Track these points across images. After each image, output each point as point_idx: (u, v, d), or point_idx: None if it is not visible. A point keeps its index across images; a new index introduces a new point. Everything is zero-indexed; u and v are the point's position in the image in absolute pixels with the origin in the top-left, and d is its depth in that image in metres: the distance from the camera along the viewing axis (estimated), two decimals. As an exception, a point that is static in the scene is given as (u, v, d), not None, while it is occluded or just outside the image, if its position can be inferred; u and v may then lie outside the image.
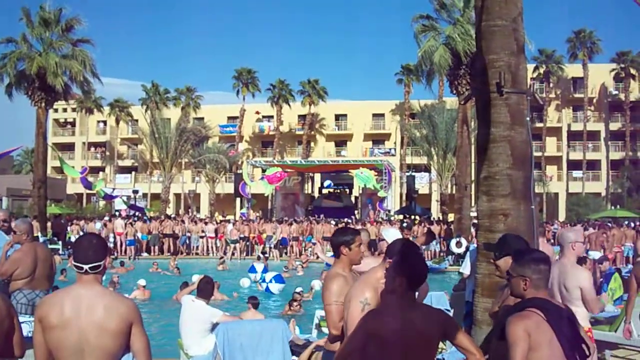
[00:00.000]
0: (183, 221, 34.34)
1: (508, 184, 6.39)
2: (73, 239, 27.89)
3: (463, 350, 3.89)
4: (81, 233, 28.19)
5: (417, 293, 4.12)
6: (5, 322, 3.76)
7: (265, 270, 20.84)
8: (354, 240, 4.95)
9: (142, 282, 18.04)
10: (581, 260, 14.45)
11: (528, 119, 6.64)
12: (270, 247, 31.59)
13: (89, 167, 66.81)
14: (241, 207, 47.73)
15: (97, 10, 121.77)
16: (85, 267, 3.84)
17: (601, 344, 9.25)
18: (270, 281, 18.93)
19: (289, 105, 66.36)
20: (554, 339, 3.71)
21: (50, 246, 23.77)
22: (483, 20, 6.71)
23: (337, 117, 69.66)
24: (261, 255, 28.30)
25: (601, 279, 13.18)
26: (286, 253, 31.61)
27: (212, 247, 32.10)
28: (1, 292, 3.78)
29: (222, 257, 28.13)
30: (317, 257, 25.18)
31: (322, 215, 37.52)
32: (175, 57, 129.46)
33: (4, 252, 7.92)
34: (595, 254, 21.18)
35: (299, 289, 16.17)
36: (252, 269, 21.75)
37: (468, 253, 9.26)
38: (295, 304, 14.80)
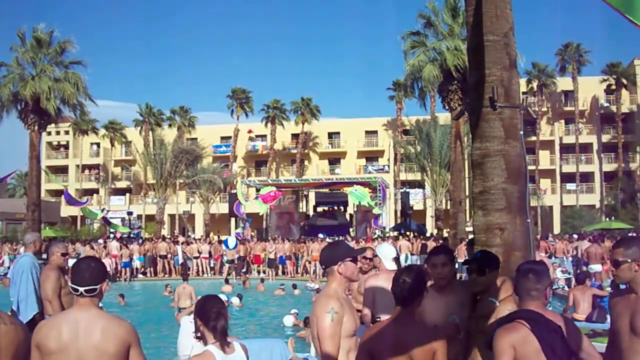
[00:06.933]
0: (177, 242, 34.23)
1: (503, 198, 6.39)
2: (71, 263, 27.59)
3: None
4: (75, 256, 28.04)
5: None
6: (21, 348, 3.69)
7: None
8: None
9: None
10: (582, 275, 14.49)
11: (521, 132, 6.66)
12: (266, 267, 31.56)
13: (84, 189, 66.96)
14: (236, 227, 47.63)
15: (89, 33, 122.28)
16: (81, 289, 3.83)
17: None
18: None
19: (283, 125, 66.55)
20: (541, 351, 3.72)
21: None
22: (474, 35, 6.75)
23: (330, 135, 69.81)
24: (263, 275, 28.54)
25: (602, 304, 13.03)
26: (283, 272, 31.63)
27: (206, 268, 32.03)
28: (16, 318, 3.70)
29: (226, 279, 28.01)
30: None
31: (319, 234, 37.39)
32: (170, 79, 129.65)
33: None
34: (597, 267, 21.19)
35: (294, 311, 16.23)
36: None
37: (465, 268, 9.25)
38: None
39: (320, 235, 35.28)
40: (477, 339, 4.80)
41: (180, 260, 32.18)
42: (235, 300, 20.06)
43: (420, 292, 4.08)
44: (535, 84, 62.18)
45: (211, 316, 4.11)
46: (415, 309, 4.10)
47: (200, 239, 37.36)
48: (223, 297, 5.27)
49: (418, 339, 3.97)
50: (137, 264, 31.63)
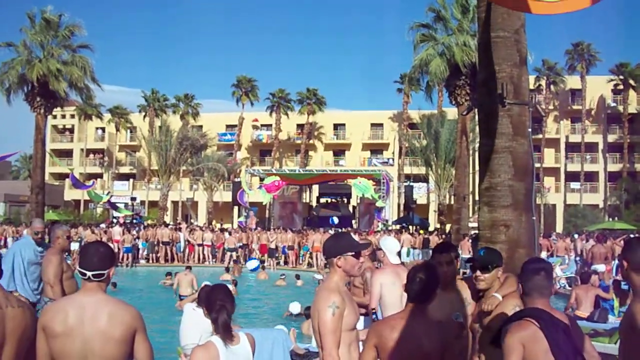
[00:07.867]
0: (179, 229, 34.24)
1: (509, 195, 6.39)
2: (73, 246, 27.64)
3: None
4: (78, 240, 28.07)
5: None
6: (28, 331, 3.68)
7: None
8: None
9: None
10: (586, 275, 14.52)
11: (529, 130, 6.65)
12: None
13: (87, 173, 66.99)
14: (239, 216, 47.66)
15: (96, 17, 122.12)
16: (89, 273, 3.83)
17: (601, 357, 9.20)
18: None
19: (287, 114, 66.47)
20: (549, 350, 3.72)
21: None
22: (485, 32, 6.73)
23: (336, 127, 69.62)
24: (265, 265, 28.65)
25: (604, 305, 13.06)
26: (286, 262, 31.72)
27: (208, 256, 32.05)
28: (24, 301, 3.66)
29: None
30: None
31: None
32: (175, 66, 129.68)
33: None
34: (601, 267, 21.13)
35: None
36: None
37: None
38: None
39: (336, 219, 35.32)
40: (481, 335, 4.81)
41: (182, 247, 32.23)
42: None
43: (435, 289, 4.07)
44: (543, 82, 61.99)
45: (214, 307, 4.15)
46: (427, 306, 4.10)
47: (203, 227, 37.36)
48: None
49: (429, 335, 3.97)
50: (141, 249, 31.71)
